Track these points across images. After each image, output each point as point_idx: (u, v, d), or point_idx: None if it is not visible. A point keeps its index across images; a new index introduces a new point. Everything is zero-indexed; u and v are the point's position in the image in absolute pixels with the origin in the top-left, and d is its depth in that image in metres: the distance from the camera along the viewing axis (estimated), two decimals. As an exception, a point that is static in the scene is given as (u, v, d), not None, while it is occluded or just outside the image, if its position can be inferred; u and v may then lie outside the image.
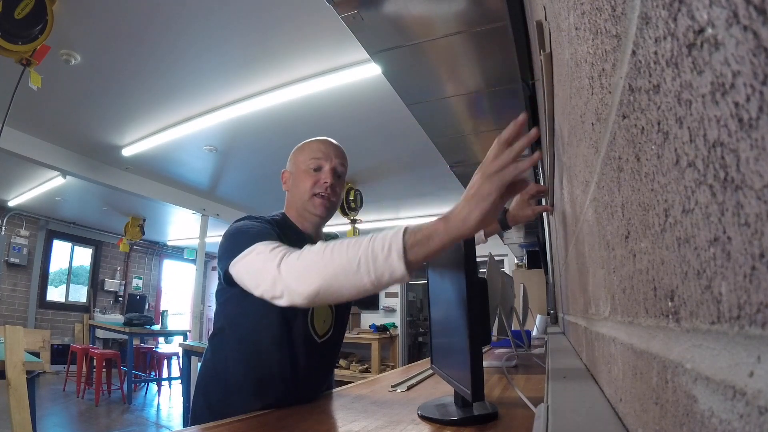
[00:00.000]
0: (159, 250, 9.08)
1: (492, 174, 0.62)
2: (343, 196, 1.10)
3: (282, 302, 0.76)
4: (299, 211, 1.08)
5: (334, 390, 1.18)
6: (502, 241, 6.24)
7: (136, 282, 8.58)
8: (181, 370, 4.84)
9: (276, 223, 1.03)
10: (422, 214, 6.56)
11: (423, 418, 0.84)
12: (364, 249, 0.68)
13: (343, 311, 1.15)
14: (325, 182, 1.04)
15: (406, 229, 0.68)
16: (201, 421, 0.95)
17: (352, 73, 2.82)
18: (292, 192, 1.09)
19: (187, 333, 6.06)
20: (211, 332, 1.09)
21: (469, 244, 0.72)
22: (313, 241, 0.93)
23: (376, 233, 0.70)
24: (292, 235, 1.04)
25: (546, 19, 0.87)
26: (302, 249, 0.76)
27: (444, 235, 0.65)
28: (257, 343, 1.00)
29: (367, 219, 6.49)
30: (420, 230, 0.67)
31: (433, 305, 1.05)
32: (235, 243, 0.87)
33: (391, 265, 0.67)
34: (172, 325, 6.69)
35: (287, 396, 1.00)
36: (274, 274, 0.75)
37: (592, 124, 0.46)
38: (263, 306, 0.83)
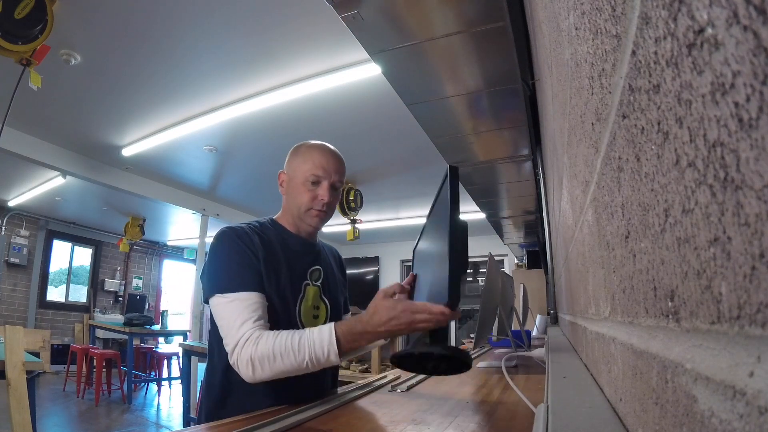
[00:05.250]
0: (159, 250, 9.08)
1: (415, 323, 0.81)
2: (337, 204, 1.14)
3: (233, 361, 0.91)
4: (295, 219, 1.12)
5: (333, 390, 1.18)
6: (502, 241, 6.24)
7: (136, 282, 8.58)
8: (181, 370, 4.84)
9: (263, 230, 1.07)
10: (422, 214, 6.57)
11: (395, 361, 0.82)
12: (309, 354, 0.87)
13: (336, 310, 1.17)
14: (323, 199, 1.07)
15: (337, 335, 0.87)
16: (210, 416, 0.99)
17: (352, 73, 2.82)
18: (288, 198, 1.12)
19: (187, 333, 6.06)
20: (209, 333, 1.10)
21: (454, 195, 0.78)
22: (310, 244, 1.15)
23: (311, 332, 0.88)
24: (283, 239, 1.10)
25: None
26: (268, 343, 0.89)
27: (365, 341, 0.88)
28: None
29: (367, 219, 6.49)
30: (350, 332, 0.87)
31: (417, 266, 1.05)
32: (218, 276, 0.98)
33: (331, 361, 0.88)
34: (172, 325, 6.68)
35: (287, 389, 1.00)
36: (248, 356, 0.89)
37: (592, 124, 0.46)
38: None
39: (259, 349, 0.88)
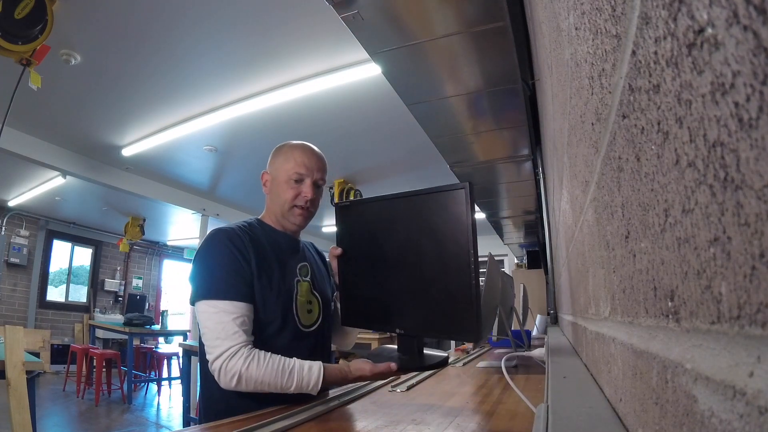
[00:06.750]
0: (159, 250, 9.07)
1: (375, 375, 1.00)
2: (319, 203, 1.18)
3: (213, 368, 0.93)
4: (278, 218, 1.14)
5: (333, 390, 1.18)
6: (502, 241, 6.24)
7: (136, 282, 8.58)
8: (181, 370, 4.84)
9: (250, 230, 1.08)
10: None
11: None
12: (296, 385, 0.95)
13: (327, 304, 1.20)
14: (306, 196, 1.10)
15: (325, 377, 0.98)
16: (210, 414, 1.00)
17: (352, 73, 2.82)
18: (271, 197, 1.14)
19: (187, 333, 6.05)
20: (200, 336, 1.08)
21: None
22: (296, 241, 1.17)
23: (302, 368, 0.96)
24: (271, 237, 1.11)
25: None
26: (260, 368, 0.93)
27: (342, 382, 1.04)
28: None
29: (367, 219, 6.48)
30: (333, 376, 0.99)
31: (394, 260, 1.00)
32: (206, 282, 0.98)
33: (310, 391, 0.98)
34: (172, 325, 6.66)
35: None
36: (236, 371, 0.92)
37: (592, 124, 0.46)
38: (258, 305, 1.01)
39: (250, 369, 0.92)
